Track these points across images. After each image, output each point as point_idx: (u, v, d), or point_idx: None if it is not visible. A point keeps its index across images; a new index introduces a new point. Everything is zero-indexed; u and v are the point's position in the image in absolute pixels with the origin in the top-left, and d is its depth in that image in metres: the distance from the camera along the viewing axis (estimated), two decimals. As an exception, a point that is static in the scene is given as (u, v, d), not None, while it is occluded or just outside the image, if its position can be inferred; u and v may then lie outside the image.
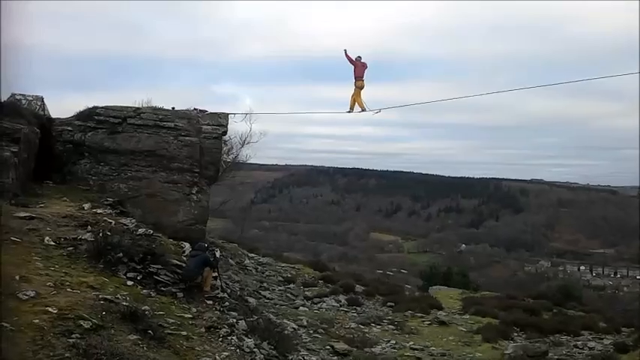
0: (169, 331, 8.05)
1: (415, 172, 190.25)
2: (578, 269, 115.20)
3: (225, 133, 19.60)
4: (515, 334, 17.94)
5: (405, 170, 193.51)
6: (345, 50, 17.38)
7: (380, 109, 18.07)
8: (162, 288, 9.94)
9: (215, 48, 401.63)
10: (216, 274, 11.21)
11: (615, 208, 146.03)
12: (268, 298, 19.27)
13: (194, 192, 17.37)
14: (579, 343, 17.00)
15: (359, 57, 17.65)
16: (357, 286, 23.77)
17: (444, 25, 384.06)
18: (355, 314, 19.32)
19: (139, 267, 10.06)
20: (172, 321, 8.53)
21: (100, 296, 7.98)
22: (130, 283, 9.43)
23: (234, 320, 9.90)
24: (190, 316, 9.17)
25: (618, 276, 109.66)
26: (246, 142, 30.36)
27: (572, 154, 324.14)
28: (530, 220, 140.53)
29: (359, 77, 17.66)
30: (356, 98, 17.76)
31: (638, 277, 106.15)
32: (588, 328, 19.54)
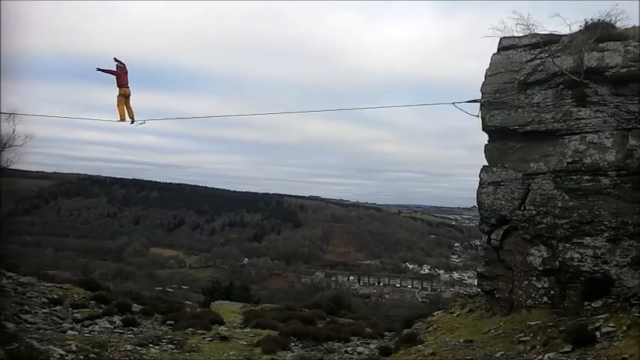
0: None
1: (200, 185, 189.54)
2: (348, 279, 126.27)
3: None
4: (293, 344, 18.52)
5: (190, 183, 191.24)
6: (98, 68, 16.11)
7: (144, 120, 17.09)
8: None
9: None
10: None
11: (380, 223, 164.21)
12: (30, 323, 16.97)
13: None
14: (349, 348, 18.22)
15: (118, 62, 16.30)
16: (134, 305, 22.29)
17: (229, 42, 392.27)
18: (131, 335, 18.02)
19: None
20: None
21: None
22: None
23: (-15, 351, 8.42)
24: None
25: (381, 284, 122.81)
26: (7, 146, 26.64)
27: (346, 174, 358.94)
28: (307, 234, 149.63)
29: (123, 85, 16.50)
30: (126, 106, 16.66)
31: (397, 285, 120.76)
32: (357, 334, 21.05)
